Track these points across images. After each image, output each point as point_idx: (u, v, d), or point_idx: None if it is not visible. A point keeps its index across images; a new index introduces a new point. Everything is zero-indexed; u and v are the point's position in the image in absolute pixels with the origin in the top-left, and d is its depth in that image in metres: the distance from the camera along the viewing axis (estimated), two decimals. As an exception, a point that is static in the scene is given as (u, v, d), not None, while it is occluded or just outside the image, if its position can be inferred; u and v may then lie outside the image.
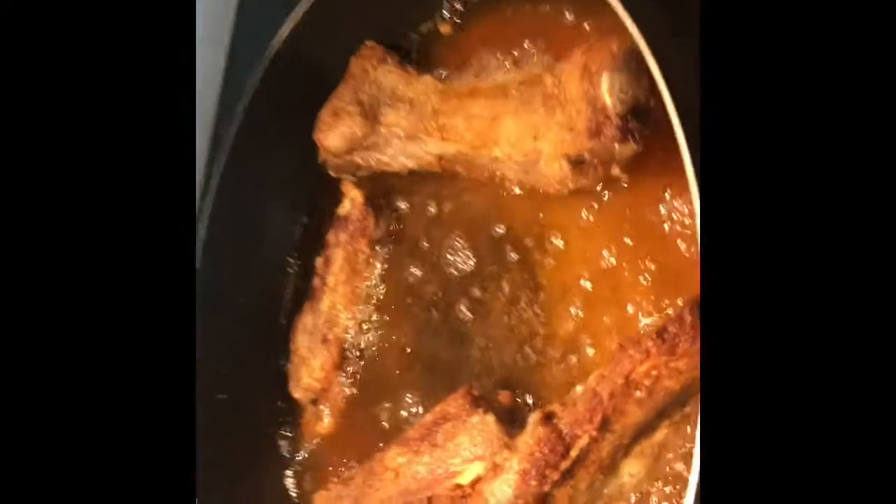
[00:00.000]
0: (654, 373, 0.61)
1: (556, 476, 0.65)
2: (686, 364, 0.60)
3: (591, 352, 0.74)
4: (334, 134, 0.93)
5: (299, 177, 1.06)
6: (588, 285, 0.76)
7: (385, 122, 0.91)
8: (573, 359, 0.76)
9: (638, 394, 0.62)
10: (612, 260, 0.73)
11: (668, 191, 0.68)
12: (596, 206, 0.77)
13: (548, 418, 0.66)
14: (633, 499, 0.67)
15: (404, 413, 0.93)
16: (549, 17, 0.85)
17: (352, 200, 0.97)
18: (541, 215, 0.82)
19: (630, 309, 0.72)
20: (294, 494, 1.05)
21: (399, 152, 0.92)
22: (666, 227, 0.68)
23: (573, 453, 0.64)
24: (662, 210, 0.69)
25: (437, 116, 0.87)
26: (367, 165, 0.95)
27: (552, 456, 0.64)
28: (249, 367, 1.04)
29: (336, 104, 0.94)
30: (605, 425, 0.63)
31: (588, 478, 0.66)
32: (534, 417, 0.67)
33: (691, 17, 0.74)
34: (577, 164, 0.67)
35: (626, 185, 0.71)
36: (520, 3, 0.88)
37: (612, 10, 0.69)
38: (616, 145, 0.65)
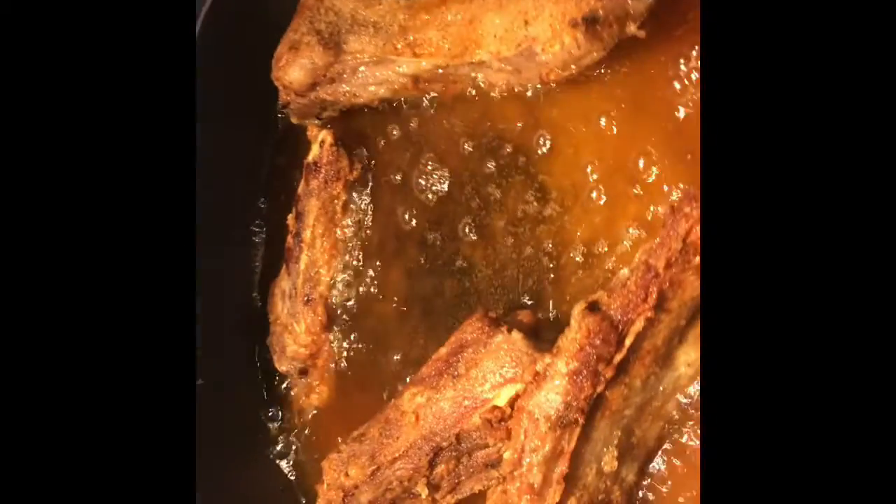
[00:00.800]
0: (714, 230, 0.54)
1: (610, 373, 0.58)
2: (750, 213, 0.53)
3: (629, 241, 0.67)
4: (294, 68, 0.84)
5: (257, 136, 0.98)
6: (603, 184, 0.70)
7: (349, 49, 0.83)
8: (595, 262, 0.69)
9: (697, 259, 0.55)
10: (633, 142, 0.66)
11: (696, 49, 0.62)
12: (597, 97, 0.71)
13: (593, 308, 0.58)
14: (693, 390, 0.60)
15: (408, 363, 0.85)
16: None
17: (321, 143, 0.89)
18: (534, 120, 0.75)
19: (656, 194, 0.65)
20: (292, 476, 0.96)
21: (368, 80, 0.84)
22: (676, 85, 0.62)
23: (628, 341, 0.57)
24: (683, 67, 0.62)
25: (405, 34, 0.80)
26: (333, 100, 0.87)
27: (605, 347, 0.57)
28: (226, 348, 0.95)
29: (292, 37, 0.86)
30: (661, 303, 0.56)
31: (643, 372, 0.59)
32: (577, 310, 0.60)
33: None
34: (590, 24, 0.60)
35: (635, 58, 0.65)
36: None
37: None
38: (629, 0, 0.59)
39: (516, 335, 0.66)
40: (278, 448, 0.96)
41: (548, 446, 0.59)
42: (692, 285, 0.56)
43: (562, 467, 0.59)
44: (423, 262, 0.84)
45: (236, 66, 0.91)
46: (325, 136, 0.89)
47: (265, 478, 0.96)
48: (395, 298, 0.87)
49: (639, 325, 0.56)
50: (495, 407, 0.64)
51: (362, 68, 0.84)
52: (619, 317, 0.57)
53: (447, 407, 0.69)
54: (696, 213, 0.54)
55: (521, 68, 0.72)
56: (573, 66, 0.67)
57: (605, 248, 0.70)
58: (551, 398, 0.59)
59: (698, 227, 0.54)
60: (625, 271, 0.59)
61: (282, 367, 0.95)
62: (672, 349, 0.60)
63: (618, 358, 0.57)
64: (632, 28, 0.61)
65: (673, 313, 0.57)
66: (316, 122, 0.91)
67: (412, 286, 0.86)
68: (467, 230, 0.80)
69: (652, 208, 0.65)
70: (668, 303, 0.56)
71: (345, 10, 0.85)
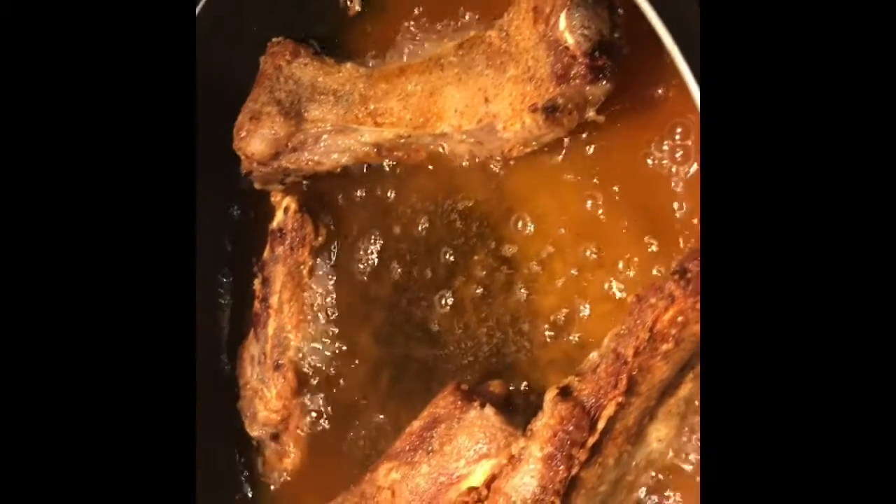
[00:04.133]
0: (680, 319, 0.55)
1: (584, 456, 0.59)
2: (714, 302, 0.55)
3: (586, 314, 0.68)
4: (256, 139, 0.84)
5: (221, 199, 0.98)
6: (569, 255, 0.71)
7: (310, 117, 0.84)
8: (566, 335, 0.70)
9: (665, 346, 0.56)
10: (598, 213, 0.67)
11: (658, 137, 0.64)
12: (565, 170, 0.72)
13: (565, 393, 0.59)
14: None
15: (380, 428, 0.85)
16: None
17: (285, 209, 0.89)
18: (499, 189, 0.76)
19: (620, 265, 0.66)
20: (268, 547, 0.95)
21: (331, 148, 0.84)
22: (650, 163, 0.63)
23: (600, 425, 0.58)
24: (653, 156, 0.64)
25: (366, 103, 0.80)
26: (296, 169, 0.87)
27: (578, 433, 0.58)
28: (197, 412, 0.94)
29: (252, 107, 0.86)
30: (631, 388, 0.57)
31: (616, 451, 0.60)
32: (549, 395, 0.61)
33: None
34: (549, 112, 0.62)
35: (596, 134, 0.66)
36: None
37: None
38: (588, 86, 0.60)
39: (489, 411, 0.67)
40: (253, 515, 0.96)
41: (525, 528, 0.60)
42: (660, 370, 0.57)
43: (540, 546, 0.60)
44: (391, 327, 0.84)
45: (198, 131, 0.90)
46: (290, 202, 0.89)
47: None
48: (366, 363, 0.87)
49: (610, 409, 0.57)
50: (472, 488, 0.64)
51: (324, 137, 0.84)
52: (590, 402, 0.58)
53: (423, 483, 0.69)
54: (662, 303, 0.55)
55: (484, 141, 0.72)
56: (534, 143, 0.68)
57: (571, 318, 0.71)
58: (527, 481, 0.59)
59: (665, 317, 0.55)
60: (594, 355, 0.60)
61: (253, 432, 0.95)
62: (643, 427, 0.61)
63: (591, 441, 0.58)
64: (591, 113, 0.62)
65: (643, 396, 0.58)
66: (280, 187, 0.91)
67: (382, 351, 0.86)
68: (437, 298, 0.80)
69: (613, 282, 0.67)
70: (638, 387, 0.58)
71: (304, 79, 0.85)
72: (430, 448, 0.69)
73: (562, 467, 0.58)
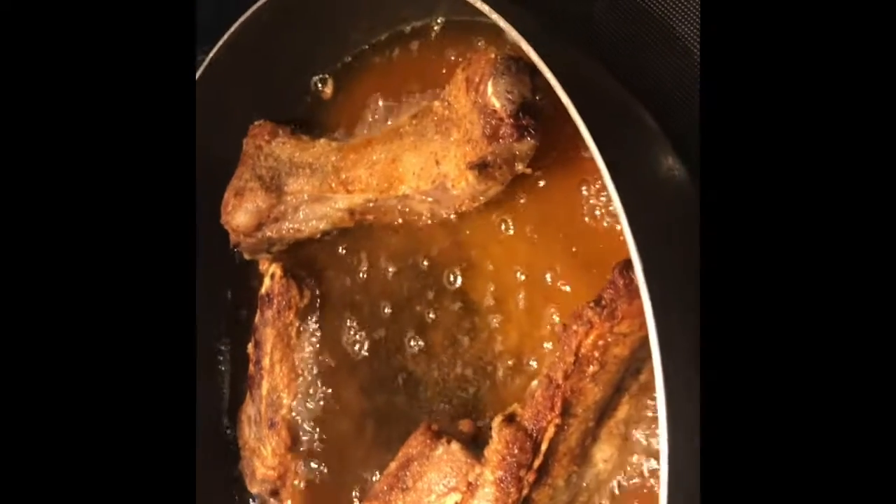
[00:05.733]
0: (600, 342, 0.61)
1: (531, 477, 0.64)
2: (629, 325, 0.60)
3: (548, 347, 0.74)
4: (240, 212, 0.93)
5: (215, 275, 1.05)
6: (521, 294, 0.77)
7: (289, 190, 0.92)
8: (525, 367, 0.76)
9: (591, 368, 0.61)
10: (524, 245, 0.74)
11: (585, 183, 0.71)
12: (510, 219, 0.79)
13: (510, 420, 0.65)
14: (615, 488, 0.66)
15: (369, 475, 0.91)
16: (424, 57, 0.89)
17: (271, 276, 0.96)
18: (457, 241, 0.83)
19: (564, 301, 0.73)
20: None
21: (309, 216, 0.92)
22: (587, 215, 0.70)
23: (543, 447, 0.63)
24: (584, 192, 0.71)
25: (338, 173, 0.88)
26: (279, 237, 0.94)
27: (523, 455, 0.63)
28: (201, 475, 1.00)
29: (237, 184, 0.94)
30: (566, 410, 0.63)
31: (563, 472, 0.65)
32: (496, 423, 0.66)
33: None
34: (481, 168, 0.69)
35: (541, 184, 0.73)
36: (390, 52, 0.92)
37: (484, 27, 0.73)
38: (514, 143, 0.67)
39: (455, 446, 0.72)
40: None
41: (486, 550, 0.64)
42: (592, 392, 0.63)
43: (502, 567, 0.64)
44: (372, 379, 0.90)
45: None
46: (275, 269, 0.96)
47: None
48: (352, 415, 0.93)
49: (550, 431, 0.63)
50: (438, 517, 0.69)
51: (303, 206, 0.92)
52: (532, 426, 0.63)
53: (399, 519, 0.74)
54: (582, 329, 0.61)
55: (440, 199, 0.80)
56: (481, 198, 0.75)
57: (532, 357, 0.76)
58: (483, 505, 0.64)
59: (587, 341, 0.61)
60: (534, 383, 0.66)
61: (253, 489, 1.00)
62: (587, 448, 0.66)
63: (536, 463, 0.63)
64: (520, 167, 0.70)
65: (580, 417, 0.64)
66: (266, 256, 0.99)
67: (366, 402, 0.92)
68: (411, 346, 0.86)
69: (556, 318, 0.72)
70: (573, 408, 0.63)
71: (283, 155, 0.94)
72: (404, 486, 0.74)
73: (513, 489, 0.63)
